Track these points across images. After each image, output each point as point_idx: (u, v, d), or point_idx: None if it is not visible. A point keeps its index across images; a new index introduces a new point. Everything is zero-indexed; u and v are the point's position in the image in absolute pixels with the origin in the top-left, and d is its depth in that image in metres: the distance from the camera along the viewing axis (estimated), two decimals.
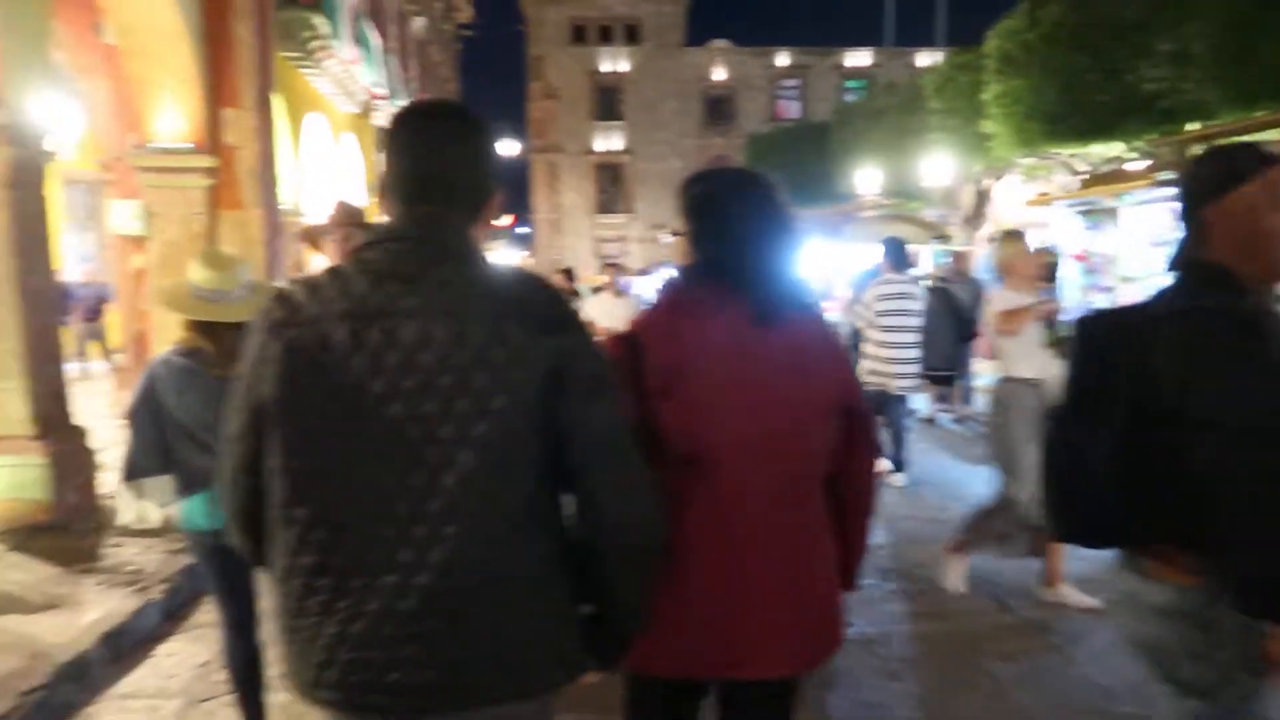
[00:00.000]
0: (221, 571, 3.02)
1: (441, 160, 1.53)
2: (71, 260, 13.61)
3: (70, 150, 9.23)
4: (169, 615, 4.39)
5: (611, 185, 44.46)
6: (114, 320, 12.43)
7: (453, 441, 1.42)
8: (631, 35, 43.33)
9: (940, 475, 7.29)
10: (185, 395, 2.82)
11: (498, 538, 1.44)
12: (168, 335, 8.10)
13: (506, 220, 38.93)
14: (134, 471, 2.88)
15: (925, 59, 34.38)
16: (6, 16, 5.10)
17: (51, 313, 5.72)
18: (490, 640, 1.45)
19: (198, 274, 2.84)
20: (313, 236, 3.87)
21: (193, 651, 4.05)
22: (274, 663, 3.17)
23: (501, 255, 31.23)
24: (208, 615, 4.38)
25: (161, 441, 2.85)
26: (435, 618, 1.43)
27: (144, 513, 2.92)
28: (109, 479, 5.79)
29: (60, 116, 7.21)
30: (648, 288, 16.50)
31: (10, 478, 5.16)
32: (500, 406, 1.42)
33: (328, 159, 14.40)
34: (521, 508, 1.46)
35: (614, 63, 43.34)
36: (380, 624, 1.42)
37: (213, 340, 2.83)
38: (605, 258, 36.93)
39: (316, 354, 1.44)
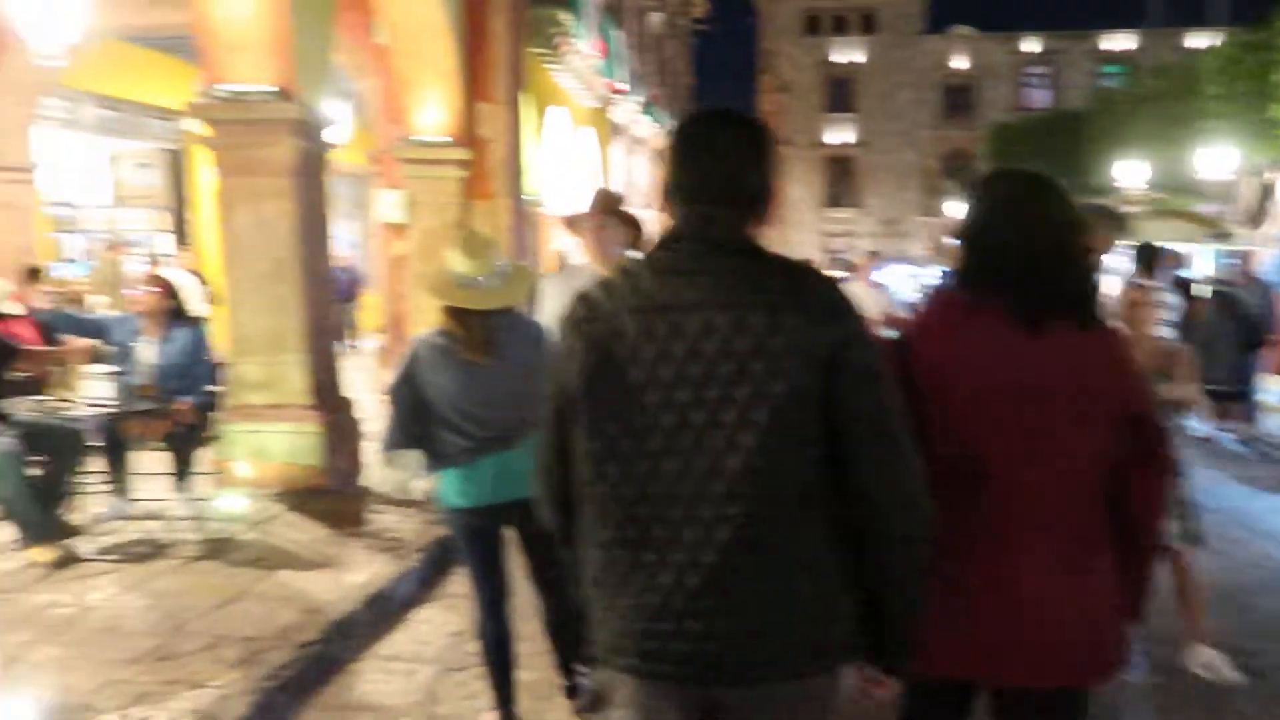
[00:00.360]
0: (475, 551, 3.11)
1: (725, 164, 1.64)
2: (340, 247, 14.83)
3: (343, 144, 10.00)
4: (424, 582, 4.61)
5: (841, 179, 43.45)
6: (368, 302, 13.44)
7: (735, 426, 1.52)
8: (867, 24, 42.09)
9: (1224, 502, 6.49)
10: (437, 375, 2.92)
11: (778, 519, 1.55)
12: (424, 318, 8.61)
13: None
14: (389, 443, 3.03)
15: (1197, 40, 31.18)
16: (299, 24, 5.54)
17: (328, 293, 6.20)
18: (768, 618, 1.55)
19: (453, 260, 2.91)
20: (573, 224, 3.92)
21: (445, 620, 4.23)
22: (524, 639, 3.23)
23: None
24: (459, 586, 4.57)
25: (416, 417, 2.96)
26: (719, 594, 1.54)
27: (394, 481, 3.10)
28: (372, 449, 6.22)
29: (337, 113, 7.82)
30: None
31: (290, 443, 5.62)
32: (779, 393, 1.51)
33: (567, 151, 14.89)
34: (801, 491, 1.56)
35: (847, 53, 42.27)
36: (669, 597, 1.55)
37: (463, 325, 2.90)
38: (832, 253, 36.15)
39: (612, 346, 1.59)
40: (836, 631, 1.61)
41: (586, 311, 1.64)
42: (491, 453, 2.93)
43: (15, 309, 5.90)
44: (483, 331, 2.91)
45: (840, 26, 42.45)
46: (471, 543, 3.10)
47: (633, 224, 3.90)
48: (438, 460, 2.99)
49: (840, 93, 42.62)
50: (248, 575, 4.32)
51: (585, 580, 1.69)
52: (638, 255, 3.97)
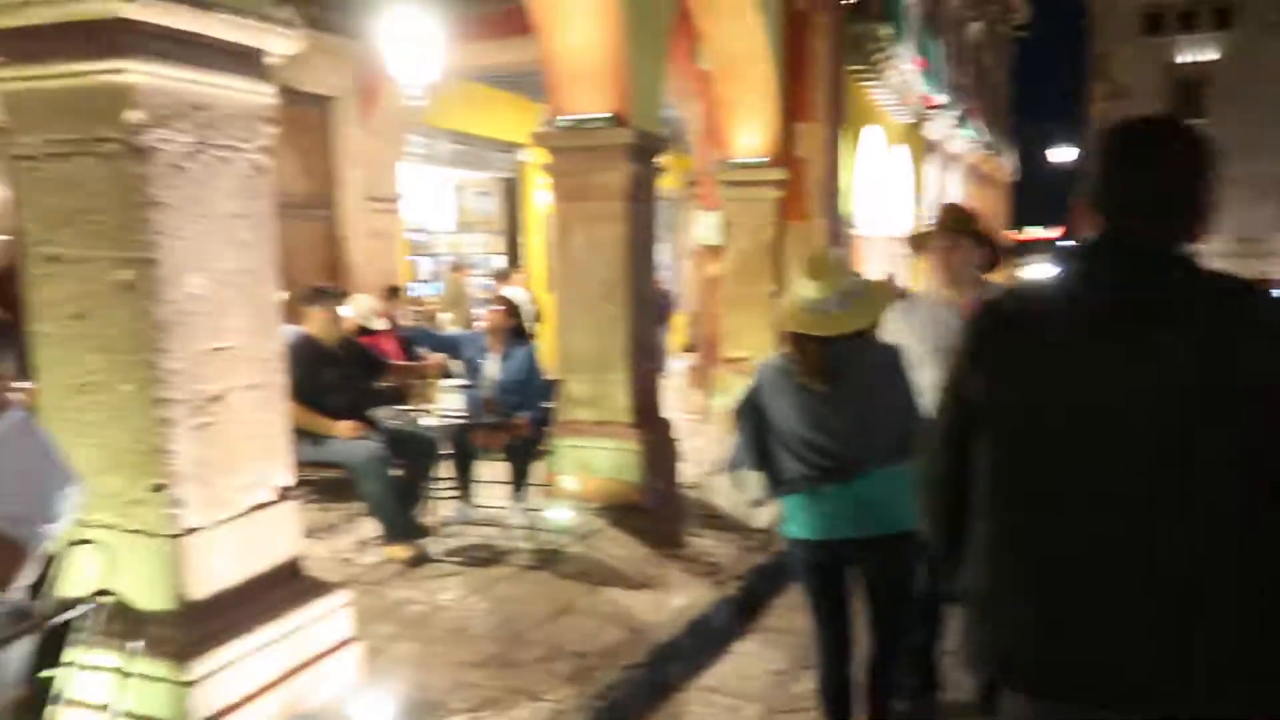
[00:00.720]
0: (814, 587, 2.95)
1: (1165, 175, 1.56)
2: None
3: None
4: (743, 612, 4.50)
5: None
6: (677, 323, 13.76)
7: (1178, 446, 1.44)
8: (1223, 19, 37.40)
9: None
10: (777, 400, 2.83)
11: (1213, 552, 1.44)
12: (737, 339, 8.63)
13: (1056, 231, 36.14)
14: (733, 464, 2.97)
15: None
16: (634, 53, 5.71)
17: (652, 314, 6.33)
18: (1188, 654, 1.45)
19: (799, 283, 2.82)
20: (919, 244, 3.65)
21: (768, 655, 4.08)
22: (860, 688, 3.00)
23: (1042, 269, 28.96)
24: (779, 619, 4.43)
25: (759, 440, 2.89)
26: (1140, 616, 1.46)
27: (736, 503, 3.09)
28: (687, 469, 6.27)
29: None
30: None
31: (612, 460, 5.77)
32: (1228, 414, 1.43)
33: (880, 170, 14.45)
34: (1252, 517, 1.45)
35: (1197, 52, 37.81)
36: (1080, 616, 1.49)
37: (799, 350, 2.79)
38: None
39: (1032, 362, 1.56)
40: (1253, 685, 1.47)
41: (1000, 324, 1.63)
42: (834, 483, 2.76)
43: (381, 325, 6.57)
44: (820, 357, 2.76)
45: (1188, 23, 38.08)
46: (810, 577, 2.94)
47: (987, 243, 3.56)
48: (779, 486, 2.88)
49: (1187, 97, 38.13)
50: (576, 588, 4.44)
51: (972, 595, 1.66)
52: (996, 278, 3.65)
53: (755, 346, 8.85)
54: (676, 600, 4.36)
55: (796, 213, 8.89)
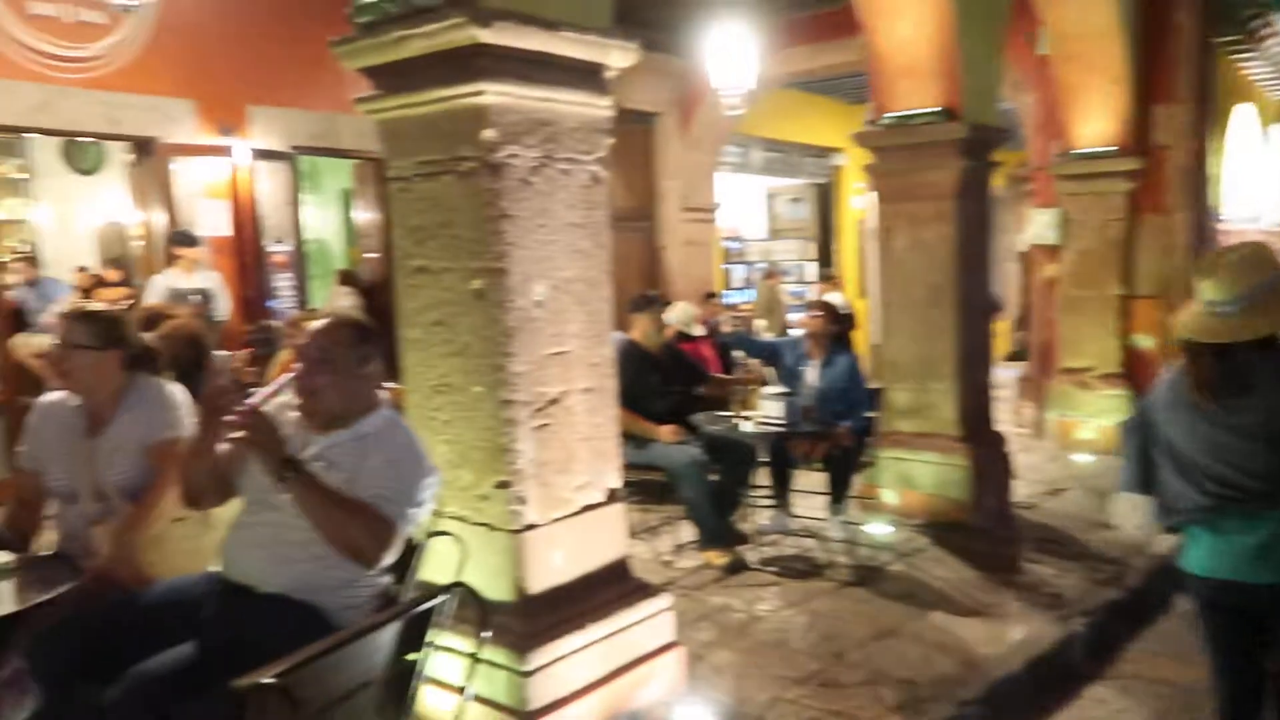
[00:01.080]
0: (1211, 630, 2.57)
1: None
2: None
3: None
4: (1091, 653, 4.02)
5: None
6: (1000, 329, 12.82)
7: None
8: None
9: None
10: (1167, 417, 2.50)
11: None
12: (1075, 347, 7.84)
13: None
14: (1123, 484, 2.69)
15: None
16: (967, 41, 5.33)
17: (983, 320, 5.89)
18: None
19: (1199, 284, 2.43)
20: None
21: (1124, 706, 3.61)
22: None
23: None
24: (1139, 665, 3.92)
25: (1147, 462, 2.57)
26: None
27: (1129, 526, 2.83)
28: (1020, 488, 5.77)
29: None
30: None
31: (937, 475, 5.41)
32: None
33: (1252, 154, 12.58)
34: None
35: None
36: None
37: (1191, 361, 2.42)
38: None
39: None
40: None
41: None
42: (1236, 516, 2.37)
43: (700, 331, 6.68)
44: (1212, 370, 2.37)
45: None
46: (1207, 620, 2.57)
47: None
48: (1172, 514, 2.53)
49: None
50: (899, 610, 4.19)
51: None
52: None
53: (1096, 356, 8.01)
54: (1014, 632, 3.98)
55: (1152, 205, 7.91)
